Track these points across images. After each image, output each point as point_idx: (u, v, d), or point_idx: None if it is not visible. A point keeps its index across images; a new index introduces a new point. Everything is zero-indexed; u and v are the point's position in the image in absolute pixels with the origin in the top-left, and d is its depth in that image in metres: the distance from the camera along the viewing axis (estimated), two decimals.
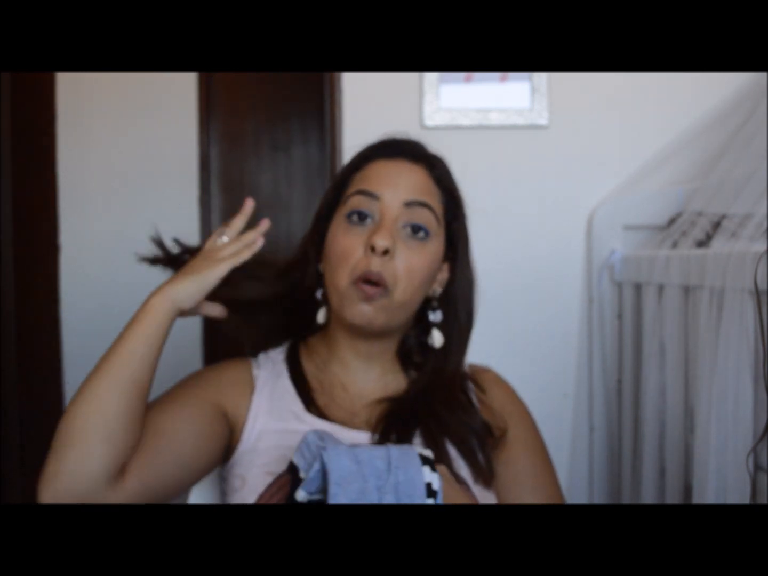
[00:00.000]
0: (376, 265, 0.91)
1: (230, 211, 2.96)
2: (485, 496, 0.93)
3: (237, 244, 0.95)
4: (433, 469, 0.75)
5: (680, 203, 1.57)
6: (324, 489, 0.74)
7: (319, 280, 1.01)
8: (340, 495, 0.71)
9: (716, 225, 1.35)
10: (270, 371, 1.01)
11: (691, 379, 1.27)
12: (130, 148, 2.82)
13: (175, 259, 1.03)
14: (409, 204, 0.94)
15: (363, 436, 0.95)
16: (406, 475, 0.73)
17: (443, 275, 1.02)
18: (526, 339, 1.65)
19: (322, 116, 2.77)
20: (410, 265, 0.94)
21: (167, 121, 2.87)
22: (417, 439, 0.94)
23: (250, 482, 0.90)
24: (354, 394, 1.00)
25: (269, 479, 0.89)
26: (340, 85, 1.65)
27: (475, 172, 1.61)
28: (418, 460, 0.75)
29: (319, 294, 1.01)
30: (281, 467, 0.90)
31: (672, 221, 1.53)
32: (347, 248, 0.94)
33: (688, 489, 1.27)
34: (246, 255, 0.94)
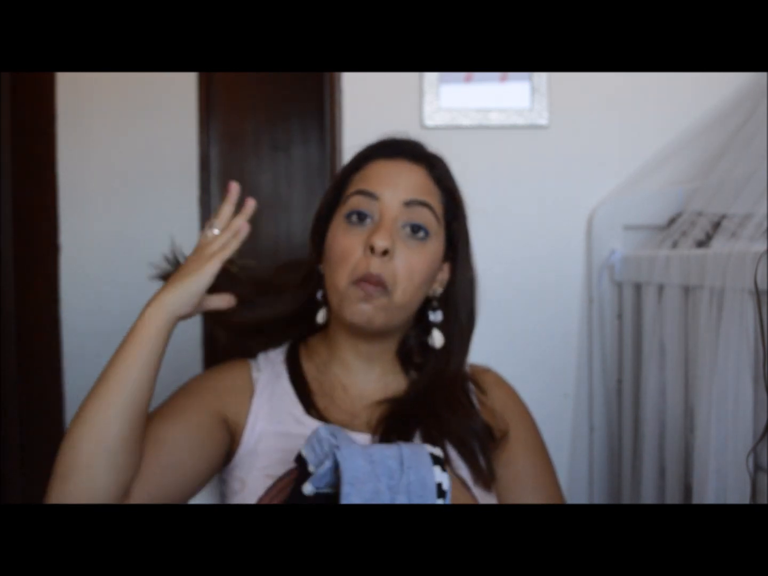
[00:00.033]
0: (375, 266, 0.91)
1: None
2: (485, 499, 0.93)
3: (224, 236, 0.92)
4: (444, 469, 0.75)
5: (680, 203, 1.57)
6: (333, 484, 0.74)
7: (319, 280, 1.01)
8: (353, 495, 0.70)
9: (716, 225, 1.35)
10: (270, 373, 1.01)
11: (691, 379, 1.27)
12: (130, 148, 2.82)
13: None
14: (408, 203, 0.94)
15: (363, 438, 0.94)
16: (417, 475, 0.73)
17: (443, 275, 1.02)
18: (526, 339, 1.65)
19: (322, 116, 2.77)
20: (410, 265, 0.93)
21: (167, 121, 2.87)
22: (417, 441, 0.94)
23: (250, 485, 0.90)
24: (354, 396, 0.99)
25: (269, 482, 0.89)
26: (340, 85, 1.65)
27: (475, 172, 1.61)
28: (429, 460, 0.75)
29: (319, 295, 1.01)
30: (281, 470, 0.89)
31: (672, 221, 1.53)
32: (347, 248, 0.93)
33: (688, 489, 1.27)
34: (234, 245, 0.90)
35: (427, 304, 1.01)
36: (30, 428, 2.35)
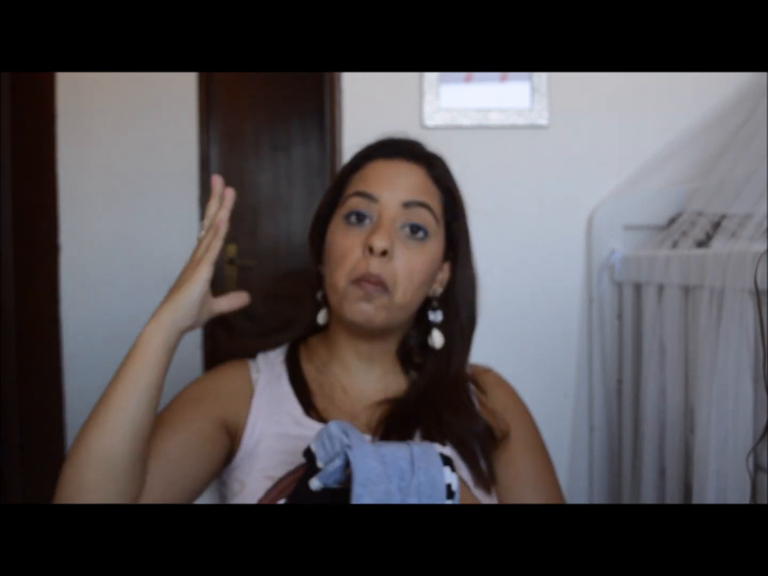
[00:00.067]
0: (375, 266, 0.91)
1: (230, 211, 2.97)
2: (485, 500, 0.93)
3: (207, 237, 0.87)
4: (453, 469, 0.75)
5: (680, 203, 1.57)
6: (341, 481, 0.74)
7: (319, 281, 1.01)
8: (365, 496, 0.70)
9: (716, 225, 1.35)
10: (269, 373, 1.00)
11: (691, 379, 1.27)
12: (130, 148, 2.83)
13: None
14: (407, 204, 0.94)
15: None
16: (427, 476, 0.73)
17: (444, 275, 1.02)
18: (526, 339, 1.65)
19: (322, 116, 2.77)
20: (410, 265, 0.93)
21: (167, 121, 2.87)
22: (417, 441, 0.94)
23: (250, 486, 0.90)
24: (354, 396, 0.99)
25: (269, 483, 0.89)
26: (340, 85, 1.65)
27: (475, 172, 1.61)
28: (439, 460, 0.75)
29: (319, 295, 1.01)
30: (280, 472, 0.89)
31: (672, 221, 1.53)
32: (345, 249, 0.93)
33: (688, 489, 1.27)
34: (217, 245, 0.86)
35: (427, 304, 1.01)
36: (30, 428, 2.35)
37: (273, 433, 0.94)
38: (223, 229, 0.87)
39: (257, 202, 3.01)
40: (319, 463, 0.76)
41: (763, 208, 1.22)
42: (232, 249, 2.93)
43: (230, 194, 0.90)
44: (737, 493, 1.07)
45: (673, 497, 1.31)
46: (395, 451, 0.74)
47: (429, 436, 0.93)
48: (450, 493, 0.73)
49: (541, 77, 1.62)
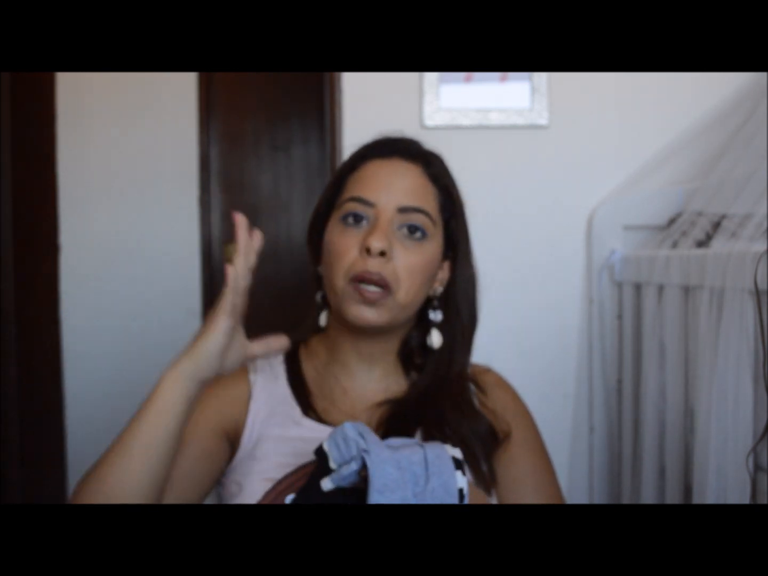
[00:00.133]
0: (374, 265, 0.91)
1: (230, 211, 2.97)
2: (486, 502, 0.93)
3: (226, 289, 0.82)
4: (464, 473, 0.75)
5: (680, 203, 1.57)
6: (353, 483, 0.74)
7: (319, 282, 1.00)
8: (381, 502, 0.70)
9: (716, 225, 1.35)
10: (267, 374, 1.00)
11: (691, 379, 1.27)
12: (130, 148, 2.83)
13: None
14: (403, 210, 0.94)
15: None
16: (440, 480, 0.73)
17: (444, 274, 1.01)
18: (526, 339, 1.65)
19: (322, 116, 2.77)
20: (409, 265, 0.93)
21: (167, 121, 2.87)
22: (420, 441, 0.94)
23: (247, 488, 0.90)
24: (354, 398, 0.99)
25: (267, 485, 0.89)
26: (340, 85, 1.65)
27: (475, 172, 1.61)
28: (451, 464, 0.74)
29: (318, 296, 1.01)
30: (279, 474, 0.89)
31: (672, 221, 1.53)
32: (342, 249, 0.93)
33: (688, 489, 1.27)
34: (231, 297, 0.80)
35: (428, 304, 1.01)
36: (30, 428, 2.35)
37: (271, 435, 0.94)
38: (241, 281, 0.81)
39: (257, 202, 3.01)
40: (332, 464, 0.76)
41: (763, 208, 1.22)
42: (232, 249, 2.93)
43: (257, 238, 0.84)
44: (737, 493, 1.07)
45: (673, 497, 1.31)
46: (410, 455, 0.74)
47: (430, 437, 0.93)
48: (461, 497, 0.73)
49: (541, 77, 1.62)
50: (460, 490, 0.73)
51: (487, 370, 1.07)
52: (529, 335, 1.65)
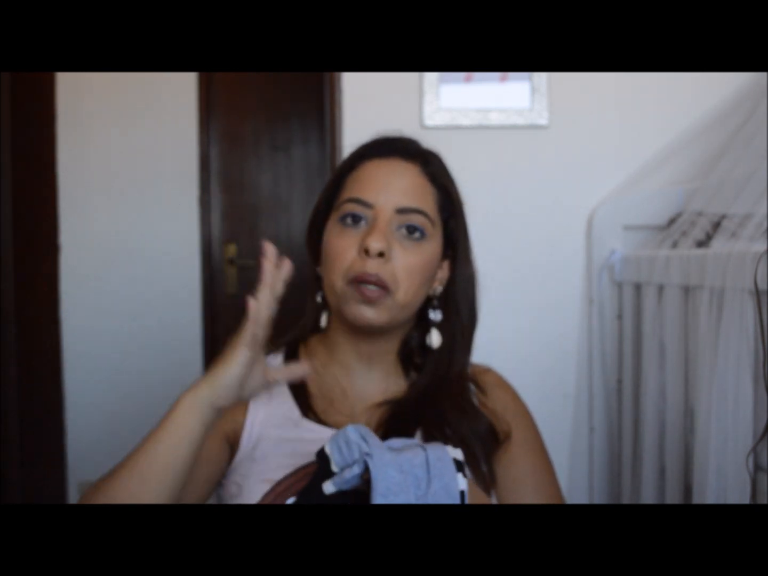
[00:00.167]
0: (372, 266, 0.91)
1: (230, 211, 2.98)
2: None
3: (249, 322, 0.80)
4: (464, 475, 0.75)
5: (680, 203, 1.57)
6: (355, 485, 0.74)
7: (318, 282, 1.00)
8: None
9: (716, 225, 1.35)
10: None
11: (691, 379, 1.27)
12: (130, 148, 2.83)
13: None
14: (401, 211, 0.94)
15: None
16: (441, 482, 0.73)
17: (443, 273, 1.01)
18: (526, 339, 1.65)
19: (322, 116, 2.77)
20: (408, 265, 0.93)
21: (167, 121, 2.87)
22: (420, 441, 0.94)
23: (247, 489, 0.90)
24: (354, 398, 0.99)
25: (267, 487, 0.89)
26: (340, 85, 1.65)
27: (475, 172, 1.61)
28: (452, 467, 0.74)
29: (318, 297, 1.01)
30: (279, 475, 0.89)
31: (672, 221, 1.53)
32: (341, 250, 0.93)
33: (688, 489, 1.27)
34: (256, 331, 0.78)
35: (427, 304, 1.01)
36: (30, 428, 2.35)
37: (270, 436, 0.94)
38: (263, 313, 0.79)
39: (257, 202, 3.01)
40: (334, 467, 0.76)
41: (763, 208, 1.23)
42: (232, 249, 2.93)
43: (286, 267, 0.81)
44: (737, 493, 1.07)
45: (673, 497, 1.31)
46: (412, 458, 0.74)
47: (430, 437, 0.93)
48: (462, 499, 0.73)
49: (541, 77, 1.62)
50: (462, 492, 0.73)
51: (487, 370, 1.07)
52: (529, 335, 1.65)
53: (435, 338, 1.00)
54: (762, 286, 1.00)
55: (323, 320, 1.01)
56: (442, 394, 0.98)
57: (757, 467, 1.05)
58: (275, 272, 0.81)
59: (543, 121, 1.63)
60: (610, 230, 1.62)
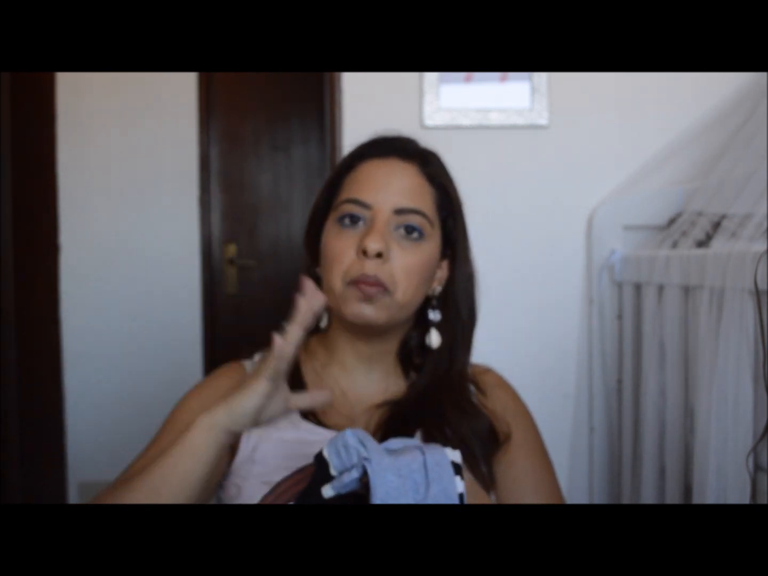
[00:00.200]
0: (370, 267, 0.90)
1: (230, 211, 2.98)
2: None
3: (272, 357, 0.79)
4: (462, 477, 0.75)
5: (680, 203, 1.57)
6: (354, 489, 0.74)
7: (317, 283, 1.00)
8: None
9: (716, 225, 1.35)
10: None
11: (691, 379, 1.27)
12: (130, 148, 2.83)
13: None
14: (399, 211, 0.94)
15: None
16: (440, 486, 0.73)
17: (443, 273, 1.01)
18: (526, 339, 1.65)
19: (322, 116, 2.78)
20: (407, 265, 0.93)
21: (167, 121, 2.88)
22: (420, 442, 0.94)
23: (246, 491, 0.90)
24: (353, 399, 0.99)
25: (266, 488, 0.89)
26: (340, 85, 1.65)
27: (475, 172, 1.61)
28: (451, 470, 0.74)
29: None
30: (278, 476, 0.89)
31: (672, 221, 1.53)
32: (339, 251, 0.93)
33: (688, 489, 1.27)
34: (280, 366, 0.78)
35: (426, 304, 1.01)
36: (30, 428, 2.35)
37: (269, 437, 0.94)
38: (288, 349, 0.78)
39: (257, 202, 3.01)
40: (333, 472, 0.76)
41: (763, 208, 1.23)
42: (232, 249, 2.93)
43: (319, 300, 0.81)
44: (737, 493, 1.07)
45: (673, 497, 1.31)
46: (410, 463, 0.74)
47: (430, 437, 0.93)
48: (461, 502, 0.73)
49: (541, 77, 1.62)
50: (461, 495, 0.73)
51: (487, 371, 1.07)
52: (529, 335, 1.65)
53: (434, 338, 1.00)
54: (762, 286, 1.01)
55: (323, 321, 1.01)
56: (441, 394, 0.98)
57: (757, 467, 1.05)
58: (308, 308, 0.80)
59: (543, 121, 1.63)
60: (610, 230, 1.62)
